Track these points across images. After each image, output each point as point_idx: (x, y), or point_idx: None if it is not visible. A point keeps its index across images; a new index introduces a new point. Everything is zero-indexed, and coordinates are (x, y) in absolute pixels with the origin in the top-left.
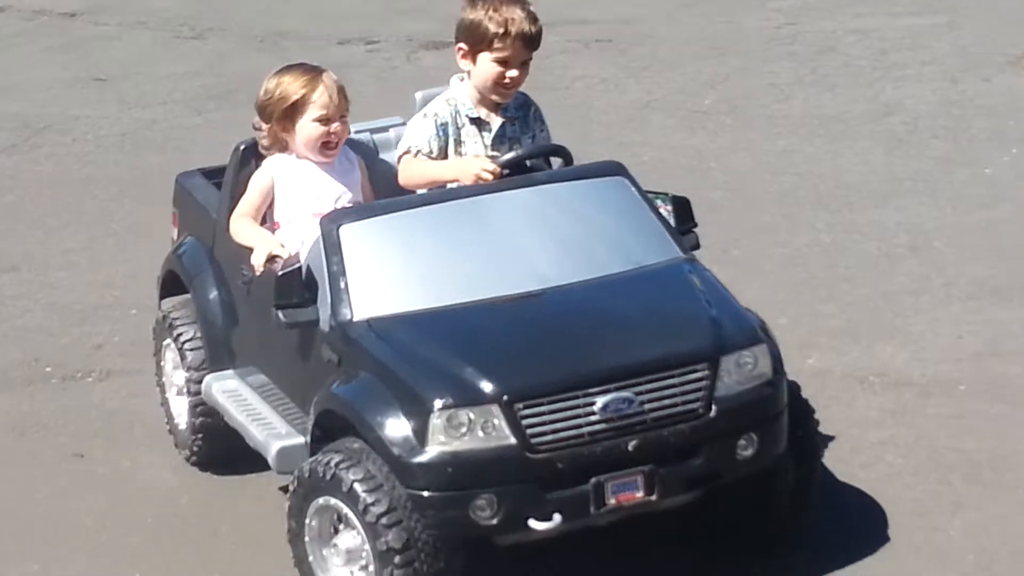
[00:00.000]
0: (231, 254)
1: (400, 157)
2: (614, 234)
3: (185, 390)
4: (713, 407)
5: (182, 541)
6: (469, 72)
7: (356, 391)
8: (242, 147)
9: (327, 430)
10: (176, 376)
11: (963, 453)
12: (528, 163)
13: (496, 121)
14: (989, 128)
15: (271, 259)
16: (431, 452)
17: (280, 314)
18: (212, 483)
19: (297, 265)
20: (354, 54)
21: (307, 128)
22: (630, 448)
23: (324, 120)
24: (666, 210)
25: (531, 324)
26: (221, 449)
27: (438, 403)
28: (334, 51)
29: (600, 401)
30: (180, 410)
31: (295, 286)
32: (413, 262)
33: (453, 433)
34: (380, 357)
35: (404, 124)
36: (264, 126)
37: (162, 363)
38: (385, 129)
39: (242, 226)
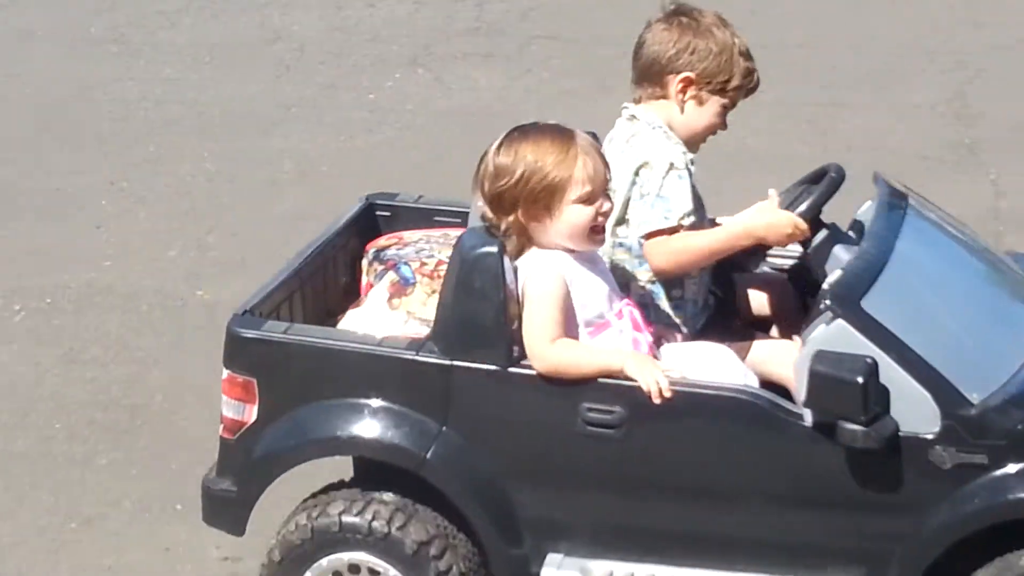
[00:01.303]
0: (537, 395)
1: (656, 235)
2: (992, 255)
3: None
4: None
5: None
6: (682, 107)
7: None
8: (496, 249)
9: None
10: None
11: None
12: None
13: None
14: (373, 54)
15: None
16: None
17: (871, 432)
18: None
19: (871, 363)
20: None
21: (572, 213)
22: None
23: (590, 199)
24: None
25: None
26: None
27: None
28: None
29: None
30: None
31: (877, 391)
32: (950, 319)
33: None
34: None
35: None
36: (505, 219)
37: None
38: None
39: (577, 352)
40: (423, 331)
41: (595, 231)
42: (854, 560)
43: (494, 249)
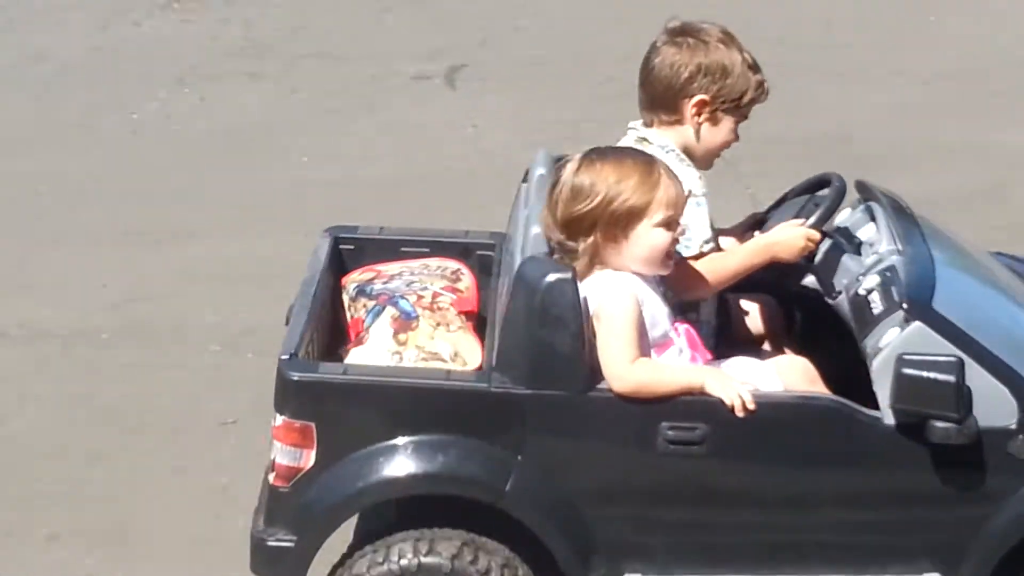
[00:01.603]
0: (616, 417)
1: (679, 261)
2: (988, 254)
3: None
4: None
5: None
6: (697, 131)
7: None
8: (570, 275)
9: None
10: None
11: (105, 402)
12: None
13: None
14: (138, 73)
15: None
16: None
17: (963, 429)
18: None
19: (959, 362)
20: None
21: (650, 237)
22: None
23: (670, 223)
24: None
25: None
26: None
27: None
28: None
29: None
30: None
31: (966, 389)
32: (999, 315)
33: None
34: None
35: None
36: (583, 240)
37: None
38: None
39: (657, 371)
40: (433, 365)
41: (668, 256)
42: (930, 554)
43: (568, 275)
